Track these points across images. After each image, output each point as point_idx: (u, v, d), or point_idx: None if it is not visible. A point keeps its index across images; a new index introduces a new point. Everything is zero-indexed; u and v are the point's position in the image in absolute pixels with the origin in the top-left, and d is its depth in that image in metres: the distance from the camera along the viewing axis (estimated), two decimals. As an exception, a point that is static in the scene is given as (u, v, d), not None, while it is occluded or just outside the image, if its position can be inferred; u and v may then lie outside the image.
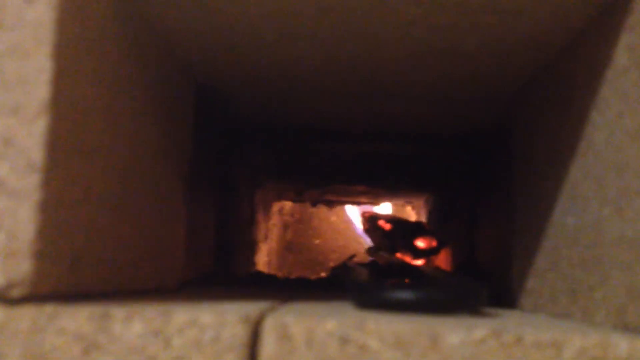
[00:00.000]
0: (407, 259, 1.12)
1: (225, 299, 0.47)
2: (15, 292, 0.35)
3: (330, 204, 1.56)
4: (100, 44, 0.42)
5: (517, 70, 0.59)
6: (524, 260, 0.60)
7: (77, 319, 0.35)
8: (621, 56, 0.41)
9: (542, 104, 0.57)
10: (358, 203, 1.52)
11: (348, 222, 1.80)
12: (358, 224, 1.43)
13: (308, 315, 0.36)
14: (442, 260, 1.12)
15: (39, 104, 0.36)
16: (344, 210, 1.78)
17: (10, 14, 0.36)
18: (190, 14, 0.49)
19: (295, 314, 0.37)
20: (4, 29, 0.36)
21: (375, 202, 1.52)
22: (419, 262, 1.12)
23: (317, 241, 1.83)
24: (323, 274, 1.61)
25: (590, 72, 0.46)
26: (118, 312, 0.35)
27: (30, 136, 0.36)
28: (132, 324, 0.35)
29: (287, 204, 1.75)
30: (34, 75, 0.36)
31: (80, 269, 0.40)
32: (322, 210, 1.77)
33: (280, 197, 1.46)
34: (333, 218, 1.83)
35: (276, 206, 1.59)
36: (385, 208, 1.55)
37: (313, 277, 1.44)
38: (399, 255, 1.13)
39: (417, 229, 1.17)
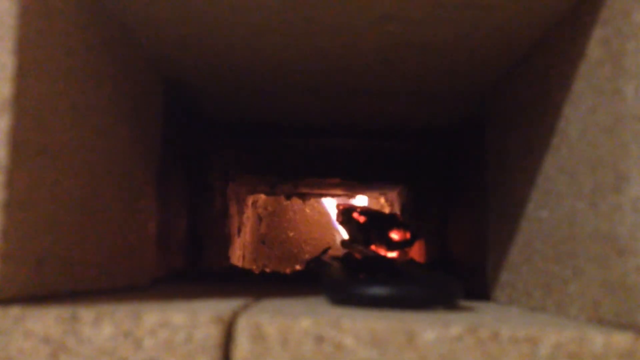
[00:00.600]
0: (382, 251, 1.13)
1: (198, 297, 0.46)
2: (-21, 296, 0.34)
3: (305, 196, 1.56)
4: (65, 39, 0.41)
5: (491, 65, 0.59)
6: (498, 254, 0.60)
7: (45, 321, 0.34)
8: (595, 50, 0.41)
9: (517, 98, 0.57)
10: (332, 195, 1.52)
11: (322, 215, 1.80)
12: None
13: (282, 313, 0.36)
14: (416, 252, 1.13)
15: (0, 101, 0.35)
16: (318, 203, 1.78)
17: (-31, 7, 0.35)
18: (156, 7, 0.48)
19: (269, 312, 0.36)
20: (-36, 22, 0.35)
21: (350, 195, 1.52)
22: (393, 254, 1.13)
23: (291, 234, 1.82)
24: (298, 267, 1.60)
25: (564, 66, 0.46)
26: (87, 313, 0.34)
27: (-8, 134, 0.35)
28: (102, 326, 0.34)
29: (261, 197, 1.74)
30: (-6, 71, 0.35)
31: (47, 269, 0.39)
32: (296, 202, 1.77)
33: (253, 191, 1.45)
34: (307, 210, 1.82)
35: (250, 199, 1.58)
36: (364, 200, 1.55)
37: (288, 269, 1.44)
38: (373, 247, 1.13)
39: (391, 221, 1.17)
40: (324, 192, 1.46)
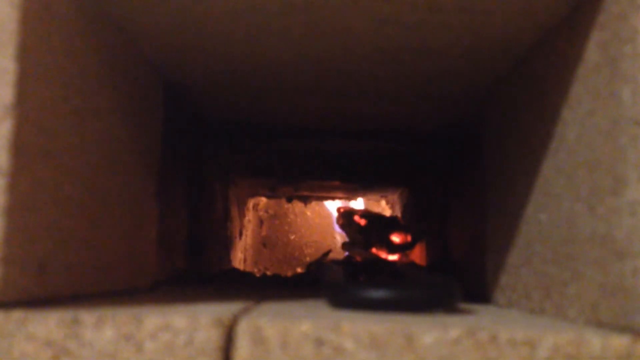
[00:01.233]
0: (382, 253, 1.13)
1: (199, 299, 0.47)
2: (-19, 299, 0.34)
3: (306, 199, 1.56)
4: (66, 44, 0.42)
5: (489, 68, 0.59)
6: (497, 256, 0.60)
7: (46, 325, 0.34)
8: (592, 54, 0.41)
9: (515, 101, 0.58)
10: (333, 198, 1.52)
11: (323, 217, 1.80)
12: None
13: (282, 316, 0.36)
14: (417, 255, 1.13)
15: (2, 106, 0.35)
16: (319, 206, 1.78)
17: (-29, 13, 0.35)
18: (156, 12, 0.49)
19: (269, 315, 0.36)
20: (-35, 28, 0.35)
21: (351, 197, 1.52)
22: (394, 257, 1.13)
23: (292, 236, 1.82)
24: (299, 270, 1.60)
25: (562, 69, 0.46)
26: (88, 317, 0.34)
27: (-5, 139, 0.35)
28: (103, 329, 0.34)
29: (262, 200, 1.74)
30: (-4, 77, 0.35)
31: (49, 273, 0.40)
32: (297, 205, 1.77)
33: (255, 193, 1.46)
34: (308, 213, 1.82)
35: (251, 202, 1.58)
36: (360, 203, 1.55)
37: (289, 272, 1.44)
38: (374, 250, 1.13)
39: (392, 224, 1.17)
40: (325, 194, 1.47)
